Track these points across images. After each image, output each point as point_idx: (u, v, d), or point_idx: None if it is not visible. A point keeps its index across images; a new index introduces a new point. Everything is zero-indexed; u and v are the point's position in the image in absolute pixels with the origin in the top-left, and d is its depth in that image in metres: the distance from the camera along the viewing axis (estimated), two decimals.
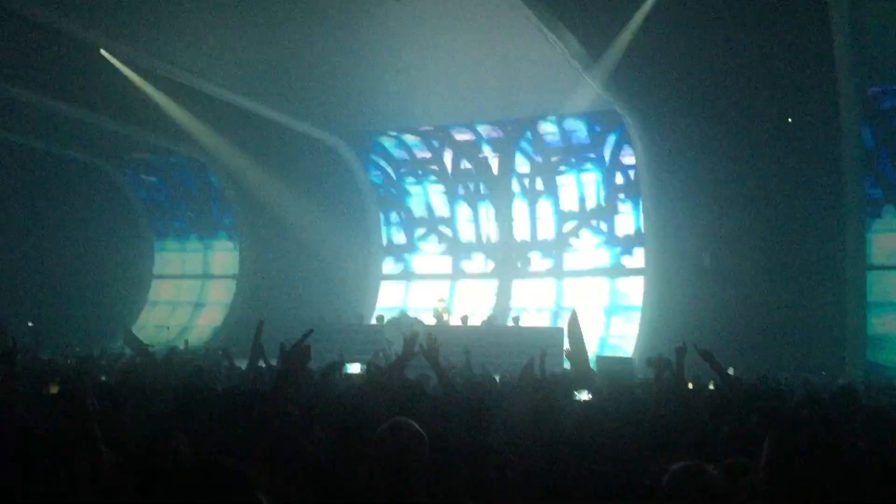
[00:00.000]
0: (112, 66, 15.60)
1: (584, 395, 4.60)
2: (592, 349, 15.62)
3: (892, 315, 16.45)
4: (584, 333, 9.78)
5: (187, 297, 25.08)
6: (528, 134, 20.28)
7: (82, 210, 23.25)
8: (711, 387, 7.30)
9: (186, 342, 15.98)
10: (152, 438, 2.91)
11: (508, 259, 21.02)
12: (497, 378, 8.67)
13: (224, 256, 24.85)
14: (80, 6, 13.55)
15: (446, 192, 21.99)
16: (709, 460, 3.01)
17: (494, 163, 21.06)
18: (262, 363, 6.25)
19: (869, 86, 16.20)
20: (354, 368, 11.58)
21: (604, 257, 19.98)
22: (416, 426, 2.51)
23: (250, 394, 3.91)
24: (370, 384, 4.32)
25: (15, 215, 22.20)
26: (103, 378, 7.27)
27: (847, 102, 14.83)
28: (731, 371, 7.26)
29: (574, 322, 8.90)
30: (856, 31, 13.24)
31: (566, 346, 8.53)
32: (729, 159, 16.07)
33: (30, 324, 14.50)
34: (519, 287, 20.85)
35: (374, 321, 18.54)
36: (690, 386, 8.04)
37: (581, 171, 20.10)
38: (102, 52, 15.20)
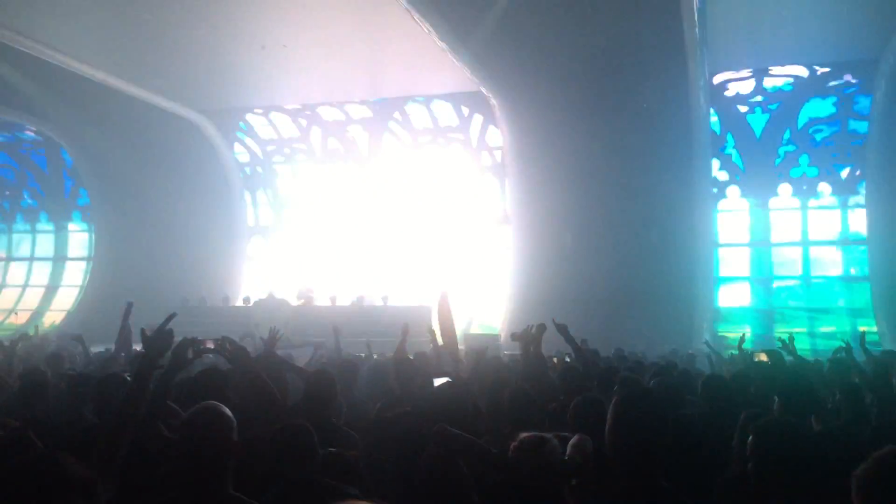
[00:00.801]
0: None
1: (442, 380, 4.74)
2: (461, 327, 15.93)
3: (733, 288, 17.85)
4: (453, 313, 9.92)
5: (39, 280, 23.73)
6: (397, 114, 20.32)
7: None
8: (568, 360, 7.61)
9: (37, 327, 15.09)
10: None
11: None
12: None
13: (79, 237, 23.65)
14: None
15: (315, 171, 21.75)
16: (561, 431, 3.19)
17: (364, 142, 21.00)
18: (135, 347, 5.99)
19: (714, 73, 17.29)
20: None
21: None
22: (227, 411, 2.52)
23: (107, 379, 3.77)
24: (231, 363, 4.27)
25: None
26: None
27: (696, 89, 15.70)
28: (586, 345, 7.59)
29: (444, 302, 9.01)
30: (703, 21, 13.97)
31: (434, 325, 8.62)
32: (590, 142, 16.66)
33: None
34: (388, 267, 20.94)
35: (240, 303, 18.13)
36: (555, 361, 8.40)
37: (448, 151, 20.37)
38: None
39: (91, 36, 15.17)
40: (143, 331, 3.18)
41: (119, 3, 13.82)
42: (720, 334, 16.47)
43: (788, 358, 6.37)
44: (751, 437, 2.78)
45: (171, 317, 3.11)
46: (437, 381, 4.40)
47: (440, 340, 8.55)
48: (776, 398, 4.06)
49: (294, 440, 3.02)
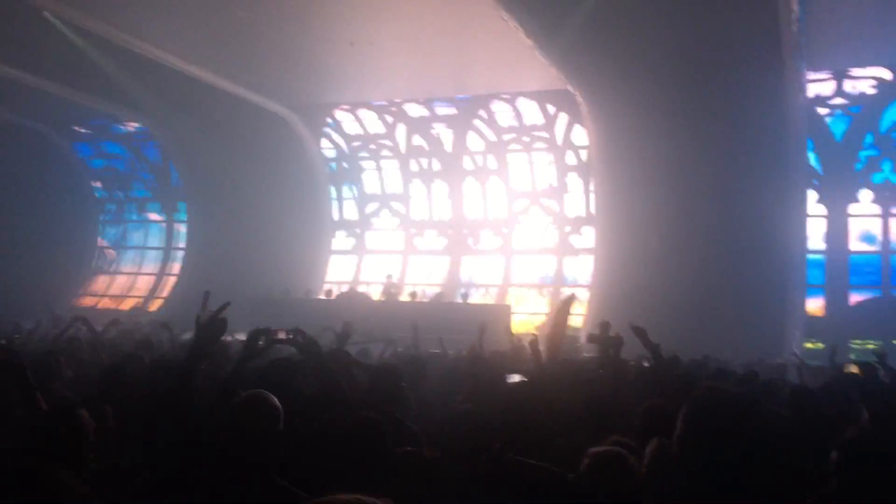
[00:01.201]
0: (56, 29, 15.09)
1: (516, 377, 4.64)
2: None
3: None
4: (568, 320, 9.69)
5: (150, 268, 24.73)
6: (482, 112, 20.26)
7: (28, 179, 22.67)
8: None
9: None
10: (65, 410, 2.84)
11: (460, 236, 21.08)
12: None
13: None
14: None
15: (400, 168, 21.92)
16: (638, 439, 3.04)
17: (448, 139, 21.03)
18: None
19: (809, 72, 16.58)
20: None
21: (553, 237, 20.16)
22: (273, 400, 2.51)
23: (172, 365, 3.85)
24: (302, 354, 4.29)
25: None
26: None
27: (793, 90, 15.08)
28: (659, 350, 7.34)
29: (565, 305, 8.84)
30: (803, 17, 13.41)
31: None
32: (679, 141, 16.18)
33: None
34: (469, 264, 20.96)
35: (322, 296, 18.40)
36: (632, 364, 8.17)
37: (532, 149, 20.19)
38: (46, 14, 14.69)
39: (187, 33, 15.63)
40: (197, 317, 3.21)
41: (213, 1, 14.17)
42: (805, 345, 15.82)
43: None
44: (835, 453, 2.59)
45: (224, 306, 3.13)
46: (512, 379, 4.32)
47: (546, 340, 8.49)
48: (865, 411, 3.82)
49: (362, 434, 2.99)
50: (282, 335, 4.37)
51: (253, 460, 2.46)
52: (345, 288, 18.74)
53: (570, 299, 7.32)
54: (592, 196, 18.76)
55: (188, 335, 9.30)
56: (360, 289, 18.60)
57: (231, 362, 4.04)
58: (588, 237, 19.10)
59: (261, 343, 3.53)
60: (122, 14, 14.77)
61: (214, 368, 4.43)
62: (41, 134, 23.03)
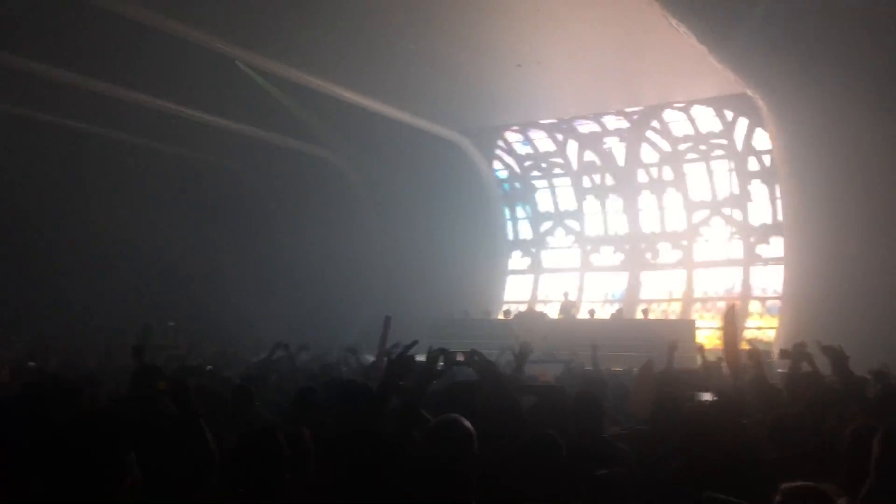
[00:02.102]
0: (245, 74, 16.36)
1: (707, 396, 4.45)
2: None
3: None
4: (738, 329, 9.32)
5: None
6: (655, 123, 19.76)
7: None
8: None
9: None
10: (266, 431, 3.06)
11: (637, 251, 20.60)
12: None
13: None
14: (215, 21, 14.29)
15: (572, 185, 21.79)
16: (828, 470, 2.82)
17: (620, 153, 20.68)
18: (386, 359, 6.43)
19: None
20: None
21: (737, 247, 19.23)
22: (467, 424, 2.53)
23: (358, 387, 4.02)
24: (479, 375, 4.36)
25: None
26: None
27: None
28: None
29: (730, 316, 8.50)
30: None
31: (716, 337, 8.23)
32: (871, 139, 15.02)
33: (170, 323, 15.37)
34: (648, 279, 20.42)
35: (500, 316, 18.56)
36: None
37: (710, 158, 19.42)
38: (237, 63, 15.96)
39: (361, 67, 16.37)
40: (387, 354, 3.36)
41: (384, 32, 14.78)
42: None
43: None
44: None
45: (413, 343, 3.24)
46: (703, 398, 4.16)
47: (722, 355, 8.16)
48: None
49: (538, 452, 3.00)
50: (460, 357, 4.47)
51: (451, 484, 2.52)
52: (523, 308, 18.79)
53: (731, 310, 6.96)
54: (779, 203, 17.72)
55: (370, 358, 9.73)
56: (538, 308, 18.59)
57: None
58: (776, 246, 18.05)
59: (440, 365, 3.64)
60: (303, 55, 15.76)
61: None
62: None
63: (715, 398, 5.91)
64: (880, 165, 14.99)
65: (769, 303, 18.27)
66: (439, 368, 3.56)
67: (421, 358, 3.97)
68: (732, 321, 9.26)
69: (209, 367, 8.55)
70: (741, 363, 7.12)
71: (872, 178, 15.16)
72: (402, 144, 20.78)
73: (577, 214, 21.83)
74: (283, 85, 17.22)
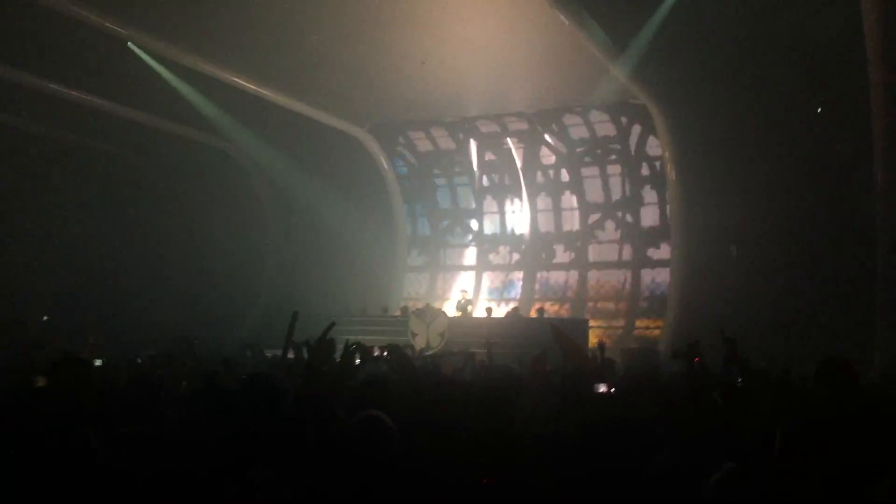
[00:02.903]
0: (139, 58, 15.75)
1: (602, 388, 4.62)
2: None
3: None
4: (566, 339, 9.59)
5: None
6: (553, 126, 20.20)
7: None
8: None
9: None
10: None
11: (533, 251, 21.02)
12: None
13: None
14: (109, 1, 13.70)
15: (471, 184, 22.01)
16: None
17: (519, 155, 21.05)
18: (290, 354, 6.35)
19: None
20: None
21: (628, 250, 19.89)
22: (388, 421, 2.55)
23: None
24: (395, 374, 4.36)
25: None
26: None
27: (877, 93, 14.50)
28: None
29: (558, 335, 8.76)
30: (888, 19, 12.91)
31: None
32: (757, 149, 15.88)
33: (44, 318, 14.69)
34: (543, 279, 20.87)
35: (398, 313, 18.58)
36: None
37: (606, 162, 20.01)
38: (130, 45, 15.34)
39: (263, 57, 16.00)
40: (306, 342, 3.33)
41: (288, 25, 14.52)
42: None
43: None
44: None
45: (330, 326, 3.22)
46: (600, 388, 4.31)
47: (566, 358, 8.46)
48: None
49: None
50: (376, 352, 4.47)
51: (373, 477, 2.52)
52: (420, 304, 18.85)
53: (556, 329, 7.29)
54: (669, 207, 18.45)
55: (271, 353, 9.57)
56: (435, 305, 18.69)
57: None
58: (665, 249, 18.77)
59: (357, 359, 3.63)
60: (201, 41, 15.30)
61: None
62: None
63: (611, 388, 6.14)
64: (761, 176, 15.85)
65: (656, 303, 18.96)
66: (356, 362, 3.56)
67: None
68: (561, 337, 9.54)
69: (98, 361, 8.22)
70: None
71: (753, 188, 16.02)
72: (303, 138, 20.52)
73: (476, 213, 22.06)
74: (180, 71, 16.67)
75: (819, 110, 15.26)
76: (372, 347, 4.00)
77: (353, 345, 3.41)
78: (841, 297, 14.93)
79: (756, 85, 15.18)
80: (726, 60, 14.56)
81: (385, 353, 4.46)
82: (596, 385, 4.70)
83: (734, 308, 14.67)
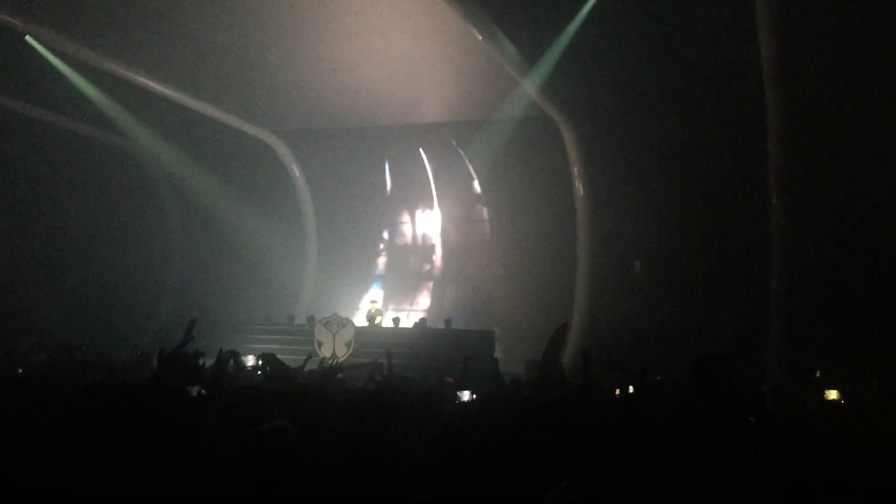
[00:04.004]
0: (37, 52, 15.09)
1: (465, 396, 4.62)
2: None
3: None
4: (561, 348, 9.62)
5: None
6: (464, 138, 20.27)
7: None
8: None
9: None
10: None
11: (444, 262, 21.07)
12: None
13: None
14: None
15: (383, 194, 21.89)
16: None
17: (432, 166, 21.07)
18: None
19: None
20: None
21: None
22: (296, 431, 2.48)
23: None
24: (272, 382, 4.23)
25: None
26: None
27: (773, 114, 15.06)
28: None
29: (560, 333, 8.73)
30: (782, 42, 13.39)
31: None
32: (662, 168, 16.33)
33: None
34: (451, 290, 20.91)
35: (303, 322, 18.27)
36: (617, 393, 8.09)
37: None
38: (28, 38, 14.69)
39: (169, 57, 15.57)
40: (160, 350, 3.21)
41: (195, 25, 14.15)
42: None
43: None
44: None
45: (187, 340, 3.10)
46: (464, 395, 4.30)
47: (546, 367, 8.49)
48: None
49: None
50: (250, 361, 4.34)
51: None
52: (327, 314, 18.56)
53: (564, 327, 7.33)
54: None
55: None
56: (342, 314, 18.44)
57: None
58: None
59: (230, 366, 3.50)
60: (103, 37, 14.76)
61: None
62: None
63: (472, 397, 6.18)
64: (663, 193, 16.32)
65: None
66: (229, 371, 3.43)
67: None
68: (562, 338, 9.61)
69: None
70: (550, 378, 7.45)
71: (656, 206, 16.47)
72: (211, 141, 20.03)
73: (387, 223, 21.94)
74: (81, 68, 16.02)
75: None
76: (246, 356, 3.87)
77: (227, 354, 3.27)
78: (736, 310, 15.43)
79: (662, 102, 15.60)
80: (630, 77, 14.92)
81: (259, 362, 4.33)
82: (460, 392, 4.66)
83: (631, 325, 15.04)
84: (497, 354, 14.72)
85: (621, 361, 5.51)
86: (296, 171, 21.85)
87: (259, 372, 5.63)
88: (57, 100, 17.42)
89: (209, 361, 5.54)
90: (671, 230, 16.34)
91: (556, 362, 8.35)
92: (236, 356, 3.28)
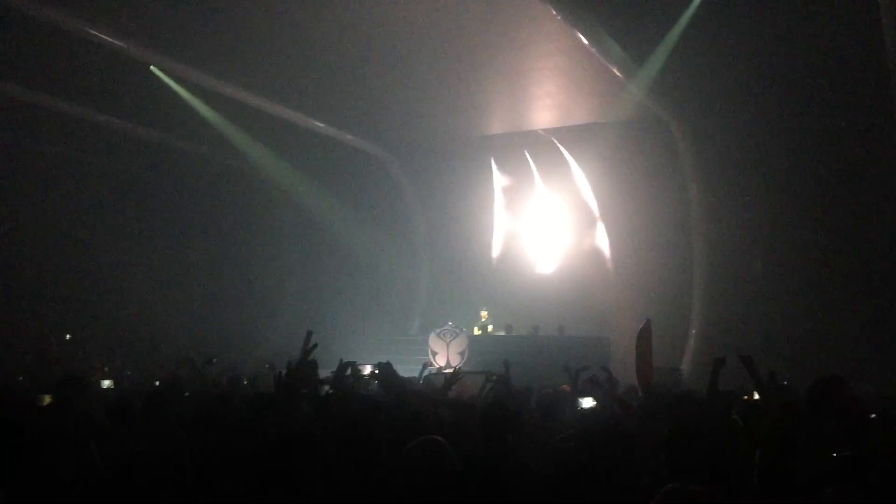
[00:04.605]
0: (161, 81, 15.92)
1: (587, 403, 4.53)
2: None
3: None
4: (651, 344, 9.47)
5: None
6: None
7: None
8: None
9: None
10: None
11: None
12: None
13: None
14: (130, 25, 13.86)
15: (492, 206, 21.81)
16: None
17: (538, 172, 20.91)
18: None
19: None
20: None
21: None
22: (449, 447, 2.52)
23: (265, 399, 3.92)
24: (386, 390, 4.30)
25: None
26: None
27: None
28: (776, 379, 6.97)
29: (646, 331, 8.59)
30: None
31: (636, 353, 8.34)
32: (782, 163, 15.70)
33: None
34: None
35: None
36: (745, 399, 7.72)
37: None
38: (152, 68, 15.52)
39: (280, 77, 16.12)
40: (288, 363, 3.30)
41: (310, 47, 14.60)
42: None
43: None
44: None
45: (312, 347, 3.18)
46: (585, 402, 4.23)
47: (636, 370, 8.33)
48: None
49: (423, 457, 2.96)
50: (367, 370, 4.43)
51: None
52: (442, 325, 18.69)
53: (648, 325, 7.14)
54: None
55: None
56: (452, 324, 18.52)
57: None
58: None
59: (348, 376, 3.59)
60: (221, 63, 15.42)
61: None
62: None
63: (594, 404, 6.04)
64: (786, 190, 15.67)
65: None
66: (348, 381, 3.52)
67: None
68: (648, 336, 9.46)
69: (107, 382, 8.27)
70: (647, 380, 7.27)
71: (778, 203, 15.83)
72: (324, 159, 20.66)
73: (498, 231, 21.87)
74: (198, 91, 16.79)
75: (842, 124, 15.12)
76: (364, 365, 3.97)
77: (346, 363, 3.37)
78: (868, 311, 14.60)
79: (778, 97, 15.04)
80: (743, 71, 14.41)
81: (376, 371, 4.40)
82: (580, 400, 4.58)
83: (757, 326, 14.48)
84: (614, 361, 14.48)
85: (753, 360, 5.28)
86: (406, 188, 22.13)
87: (375, 381, 5.74)
88: (181, 125, 18.35)
89: (325, 372, 5.71)
90: (793, 228, 15.64)
91: (648, 364, 8.11)
92: (353, 366, 3.37)
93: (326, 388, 3.80)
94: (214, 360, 9.84)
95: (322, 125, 18.79)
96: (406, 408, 3.84)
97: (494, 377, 8.46)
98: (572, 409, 5.82)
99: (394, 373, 4.49)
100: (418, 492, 2.84)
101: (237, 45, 14.59)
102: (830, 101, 14.86)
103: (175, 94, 16.40)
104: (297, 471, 2.78)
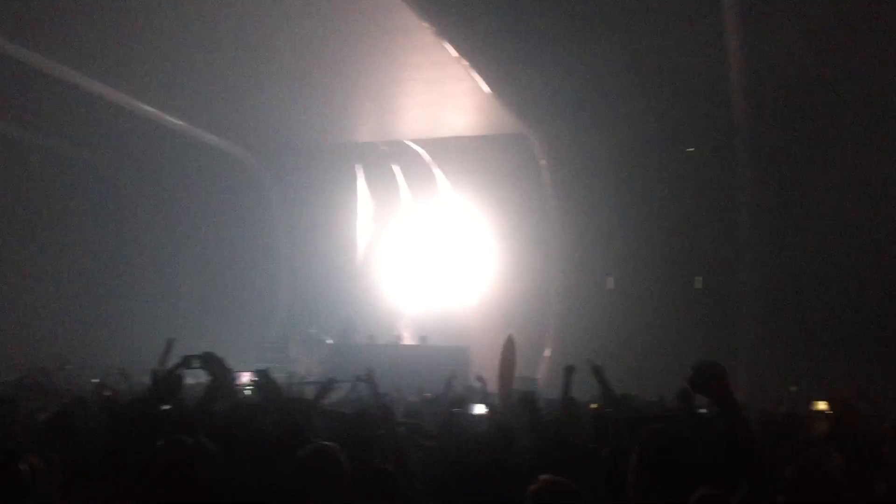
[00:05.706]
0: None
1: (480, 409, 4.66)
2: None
3: None
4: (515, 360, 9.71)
5: None
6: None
7: None
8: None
9: None
10: None
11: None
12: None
13: None
14: None
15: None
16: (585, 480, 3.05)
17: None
18: None
19: None
20: None
21: None
22: (342, 453, 2.52)
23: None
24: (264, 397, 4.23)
25: None
26: None
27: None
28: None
29: (509, 347, 8.84)
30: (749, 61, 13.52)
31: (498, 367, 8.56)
32: (631, 183, 16.47)
33: None
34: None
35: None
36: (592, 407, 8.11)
37: None
38: None
39: (136, 69, 15.41)
40: (154, 371, 3.23)
41: (165, 39, 14.03)
42: None
43: None
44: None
45: (183, 362, 3.11)
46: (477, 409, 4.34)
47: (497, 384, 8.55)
48: None
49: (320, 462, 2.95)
50: (245, 377, 4.34)
51: None
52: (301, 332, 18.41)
53: (511, 341, 7.47)
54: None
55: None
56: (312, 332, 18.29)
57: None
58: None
59: (224, 383, 3.51)
60: (76, 53, 14.60)
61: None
62: None
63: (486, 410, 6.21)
64: (635, 208, 16.47)
65: None
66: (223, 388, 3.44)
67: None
68: (511, 352, 9.73)
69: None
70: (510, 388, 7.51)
71: (628, 220, 16.62)
72: (189, 160, 20.00)
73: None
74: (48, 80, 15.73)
75: (690, 150, 16.10)
76: (241, 373, 3.87)
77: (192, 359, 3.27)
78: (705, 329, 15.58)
79: (627, 117, 15.68)
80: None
81: (254, 379, 4.32)
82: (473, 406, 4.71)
83: (608, 339, 15.12)
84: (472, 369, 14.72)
85: (602, 370, 5.57)
86: (268, 188, 21.72)
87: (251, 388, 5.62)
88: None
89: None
90: (643, 244, 16.49)
91: (510, 374, 8.40)
92: (231, 375, 3.31)
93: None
94: (68, 366, 9.26)
95: (181, 123, 18.09)
96: (292, 415, 3.80)
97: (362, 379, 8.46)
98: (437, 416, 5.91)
99: (273, 381, 4.43)
100: (311, 498, 2.82)
101: (90, 33, 13.77)
102: (678, 119, 15.59)
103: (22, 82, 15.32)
104: (187, 477, 2.71)
